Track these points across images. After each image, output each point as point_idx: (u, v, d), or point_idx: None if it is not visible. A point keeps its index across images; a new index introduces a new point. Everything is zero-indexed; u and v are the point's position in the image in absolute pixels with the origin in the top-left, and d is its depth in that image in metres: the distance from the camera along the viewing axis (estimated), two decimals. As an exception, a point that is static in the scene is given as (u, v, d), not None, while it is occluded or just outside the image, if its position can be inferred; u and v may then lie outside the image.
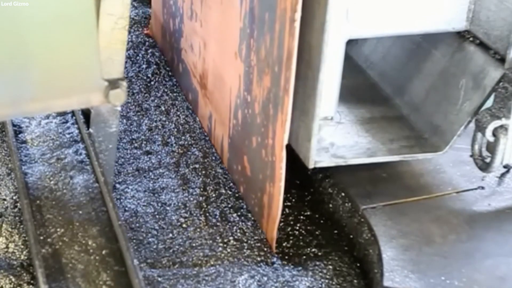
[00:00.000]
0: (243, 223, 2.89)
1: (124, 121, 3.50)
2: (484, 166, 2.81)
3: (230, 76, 3.06)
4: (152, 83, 3.85)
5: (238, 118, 3.02)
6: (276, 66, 2.61)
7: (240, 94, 2.97)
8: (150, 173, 3.16)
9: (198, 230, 2.85)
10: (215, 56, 3.25)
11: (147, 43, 4.22)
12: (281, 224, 2.79)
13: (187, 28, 3.60)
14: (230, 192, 3.06)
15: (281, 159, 2.63)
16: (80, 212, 2.65)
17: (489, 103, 2.71)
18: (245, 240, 2.81)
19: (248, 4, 2.79)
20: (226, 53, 3.07)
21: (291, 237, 2.85)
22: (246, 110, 2.93)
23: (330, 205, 2.96)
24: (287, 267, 2.70)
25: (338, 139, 2.91)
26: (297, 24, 2.45)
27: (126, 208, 2.94)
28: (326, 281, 2.64)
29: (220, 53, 3.17)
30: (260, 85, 2.77)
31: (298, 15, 2.43)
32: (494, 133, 2.68)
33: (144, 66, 3.99)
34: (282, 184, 2.67)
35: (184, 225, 2.88)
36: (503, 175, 2.99)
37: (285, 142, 2.60)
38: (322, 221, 2.95)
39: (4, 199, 2.91)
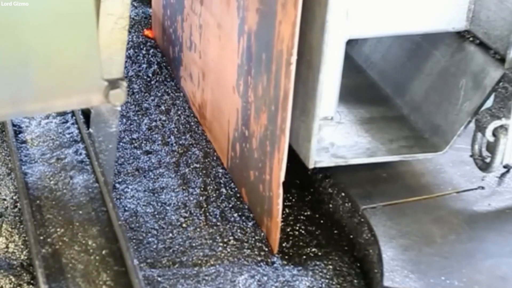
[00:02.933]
0: (244, 223, 2.89)
1: (124, 120, 3.50)
2: (484, 166, 2.81)
3: (228, 109, 3.06)
4: (153, 82, 3.84)
5: (236, 150, 3.02)
6: (272, 105, 2.62)
7: (238, 127, 2.97)
8: (150, 173, 3.16)
9: (198, 229, 2.85)
10: (213, 87, 3.24)
11: (148, 43, 4.21)
12: (281, 224, 2.78)
13: (186, 58, 3.59)
14: (231, 192, 3.05)
15: (278, 195, 2.64)
16: (80, 212, 2.65)
17: (489, 103, 2.71)
18: (246, 240, 2.81)
19: (245, 42, 2.79)
20: (224, 86, 3.07)
21: (291, 237, 2.85)
22: (244, 144, 2.93)
23: (330, 205, 2.96)
24: (287, 267, 2.70)
25: (338, 139, 2.91)
26: (293, 67, 2.44)
27: (126, 208, 2.94)
28: (326, 281, 2.64)
29: (219, 86, 3.17)
30: (257, 122, 2.77)
31: (294, 58, 2.43)
32: (494, 133, 2.68)
33: (144, 65, 3.99)
34: (279, 219, 2.69)
35: (184, 225, 2.87)
36: (503, 175, 2.99)
37: (282, 179, 2.61)
38: (322, 221, 2.95)
39: (4, 199, 2.91)
